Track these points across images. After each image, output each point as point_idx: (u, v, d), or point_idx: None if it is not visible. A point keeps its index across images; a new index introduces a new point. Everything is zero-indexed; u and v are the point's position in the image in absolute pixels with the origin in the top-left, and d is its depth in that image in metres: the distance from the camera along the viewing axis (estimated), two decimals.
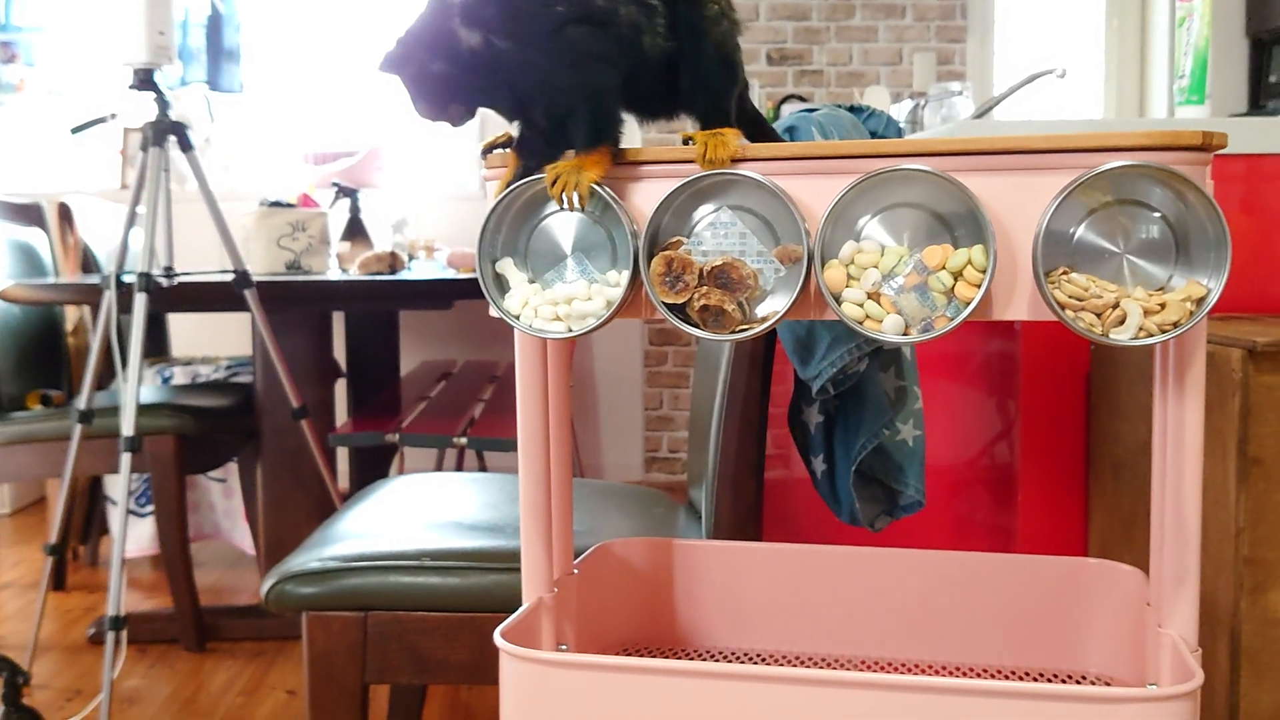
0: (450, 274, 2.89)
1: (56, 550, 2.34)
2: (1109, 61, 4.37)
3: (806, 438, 1.54)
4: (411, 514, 1.62)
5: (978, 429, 1.78)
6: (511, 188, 0.89)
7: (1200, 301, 0.79)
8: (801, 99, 4.07)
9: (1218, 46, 4.19)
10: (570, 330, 0.87)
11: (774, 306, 0.86)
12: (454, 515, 1.60)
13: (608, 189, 0.87)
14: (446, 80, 0.87)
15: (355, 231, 3.21)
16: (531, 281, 0.91)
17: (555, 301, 0.88)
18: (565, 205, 0.87)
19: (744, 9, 4.18)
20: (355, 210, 3.21)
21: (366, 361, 3.48)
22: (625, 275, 0.87)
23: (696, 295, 0.85)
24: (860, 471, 1.50)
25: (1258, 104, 4.28)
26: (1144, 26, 4.37)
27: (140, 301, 2.17)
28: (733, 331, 0.85)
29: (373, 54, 4.21)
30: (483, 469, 3.90)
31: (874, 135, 1.54)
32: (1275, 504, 1.23)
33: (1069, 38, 4.41)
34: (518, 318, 0.89)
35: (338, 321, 3.53)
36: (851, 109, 1.56)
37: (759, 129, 1.01)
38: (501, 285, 0.91)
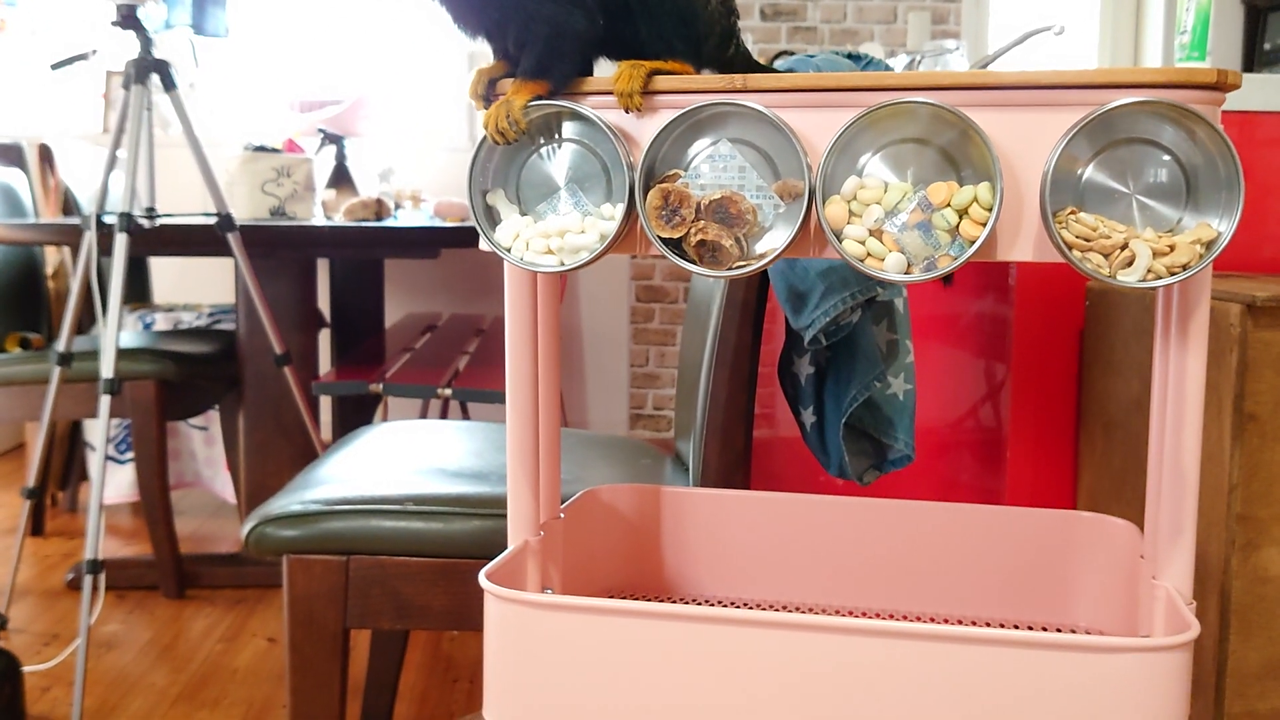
0: (437, 222, 2.86)
1: (34, 494, 2.31)
2: (1104, 19, 4.33)
3: (797, 389, 1.53)
4: (395, 459, 1.60)
5: (968, 386, 1.77)
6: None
7: (1210, 244, 0.77)
8: (794, 55, 4.02)
9: (1219, 6, 4.16)
10: (563, 264, 0.85)
11: (773, 243, 0.84)
12: (439, 462, 1.58)
13: (602, 118, 0.84)
14: None
15: (341, 179, 3.17)
16: (523, 214, 0.88)
17: (547, 234, 0.85)
18: (503, 139, 0.85)
19: None
20: (341, 158, 3.16)
21: (351, 311, 3.45)
22: (620, 209, 0.84)
23: (693, 230, 0.83)
24: (850, 425, 1.48)
25: (1251, 70, 4.25)
26: None
27: (121, 242, 2.13)
28: (730, 268, 0.83)
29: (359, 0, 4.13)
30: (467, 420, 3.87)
31: None
32: (1269, 460, 1.22)
33: (1064, 1, 4.37)
34: (509, 250, 0.86)
35: (322, 271, 3.49)
36: (850, 56, 1.53)
37: (754, 66, 0.98)
38: (492, 217, 0.88)
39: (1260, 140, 1.62)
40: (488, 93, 0.89)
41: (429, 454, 1.63)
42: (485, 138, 0.87)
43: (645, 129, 0.86)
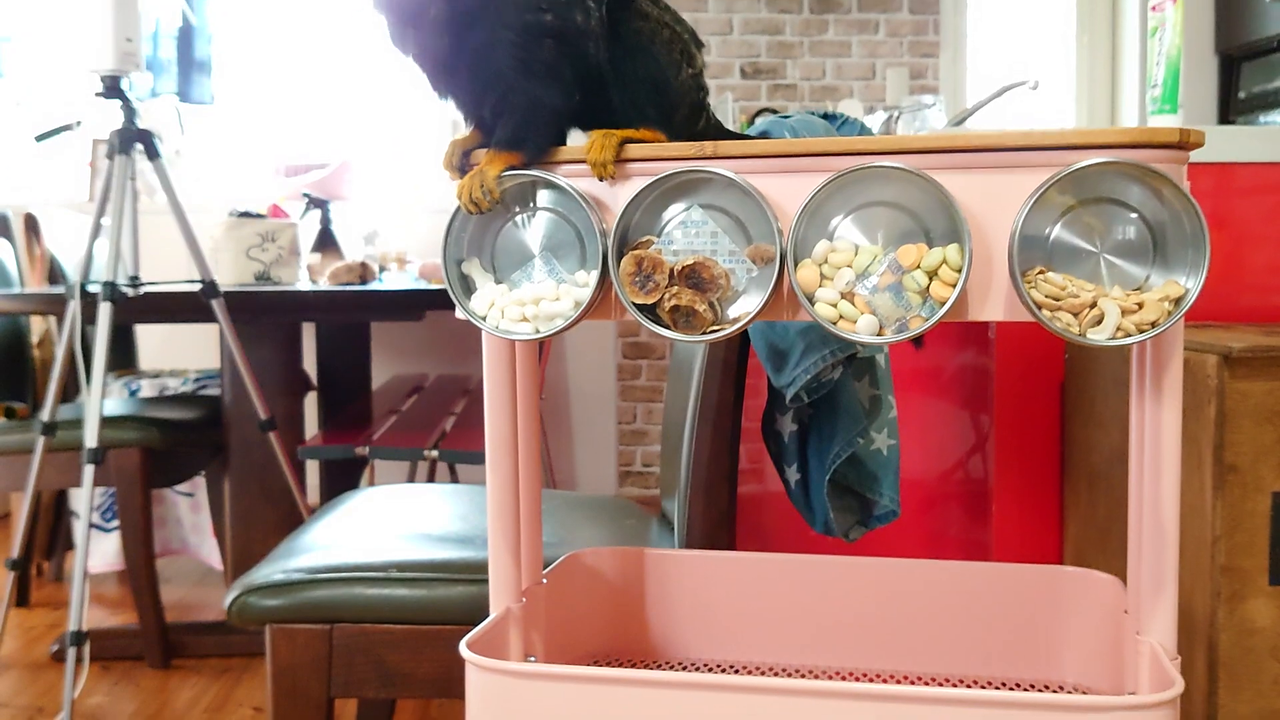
0: (422, 284, 2.87)
1: (19, 565, 2.29)
2: (1080, 74, 4.39)
3: (780, 447, 1.53)
4: (379, 525, 1.59)
5: (952, 439, 1.77)
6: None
7: (1178, 301, 0.78)
8: (775, 112, 4.06)
9: (1189, 59, 4.22)
10: (538, 331, 0.85)
11: (746, 307, 0.84)
12: (423, 526, 1.58)
13: (574, 186, 0.85)
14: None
15: (326, 243, 3.18)
16: (498, 282, 0.89)
17: (522, 302, 0.86)
18: (476, 208, 0.85)
19: (717, 24, 4.18)
20: (326, 221, 3.18)
21: (337, 374, 3.44)
22: (594, 275, 0.85)
23: (667, 295, 0.83)
24: (834, 481, 1.48)
25: (1227, 120, 4.30)
26: (1115, 39, 4.39)
27: (105, 311, 2.13)
28: (704, 332, 0.83)
29: (343, 67, 4.18)
30: (455, 481, 3.86)
31: None
32: (1251, 511, 1.22)
33: (1040, 51, 4.43)
34: (484, 319, 0.87)
35: (308, 334, 3.49)
36: (825, 116, 1.55)
37: (726, 137, 0.99)
38: (468, 286, 0.89)
39: (1235, 190, 1.64)
40: (462, 163, 0.90)
41: (413, 519, 1.62)
42: (459, 208, 0.88)
43: (618, 196, 0.87)
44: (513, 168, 0.86)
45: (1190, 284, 0.78)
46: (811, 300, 0.82)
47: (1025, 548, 1.61)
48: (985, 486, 1.65)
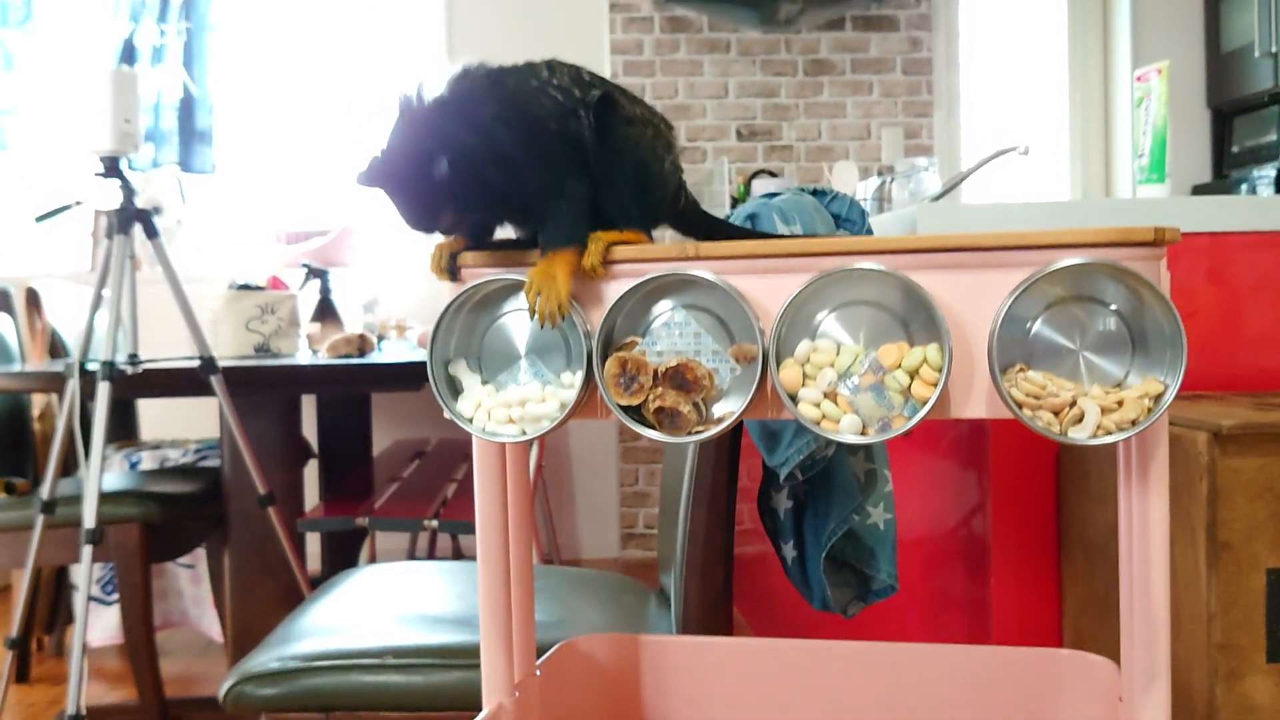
0: (420, 354, 2.88)
1: (18, 644, 2.28)
2: (1073, 136, 4.44)
3: (776, 524, 1.53)
4: (376, 606, 1.59)
5: (948, 511, 1.77)
6: (464, 289, 0.88)
7: (1158, 398, 0.78)
8: (771, 174, 4.10)
9: (1178, 118, 4.26)
10: (524, 433, 0.86)
11: (730, 406, 0.85)
12: (420, 607, 1.58)
13: None
14: (434, 190, 0.85)
15: (325, 312, 3.20)
16: (485, 383, 0.89)
17: (509, 404, 0.87)
18: (544, 323, 0.85)
19: (713, 87, 4.22)
20: (325, 291, 3.20)
21: (338, 441, 3.45)
22: (579, 376, 0.86)
23: (652, 396, 0.84)
24: (831, 557, 1.48)
25: (1221, 174, 4.34)
26: (1107, 101, 4.44)
27: (104, 390, 2.14)
28: (689, 433, 0.84)
29: (344, 135, 4.22)
30: (456, 550, 3.85)
31: (837, 218, 1.54)
32: (1246, 588, 1.22)
33: (1034, 110, 4.47)
34: (470, 421, 0.87)
35: (309, 401, 3.50)
36: (815, 192, 1.56)
37: (706, 224, 1.01)
38: (454, 387, 0.90)
39: (1226, 260, 1.65)
40: (450, 266, 0.91)
41: (411, 599, 1.62)
42: (447, 308, 0.89)
43: (603, 297, 0.88)
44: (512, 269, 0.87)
45: (1169, 381, 0.79)
46: (795, 400, 0.82)
47: (1025, 621, 1.61)
48: (983, 559, 1.65)
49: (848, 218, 1.55)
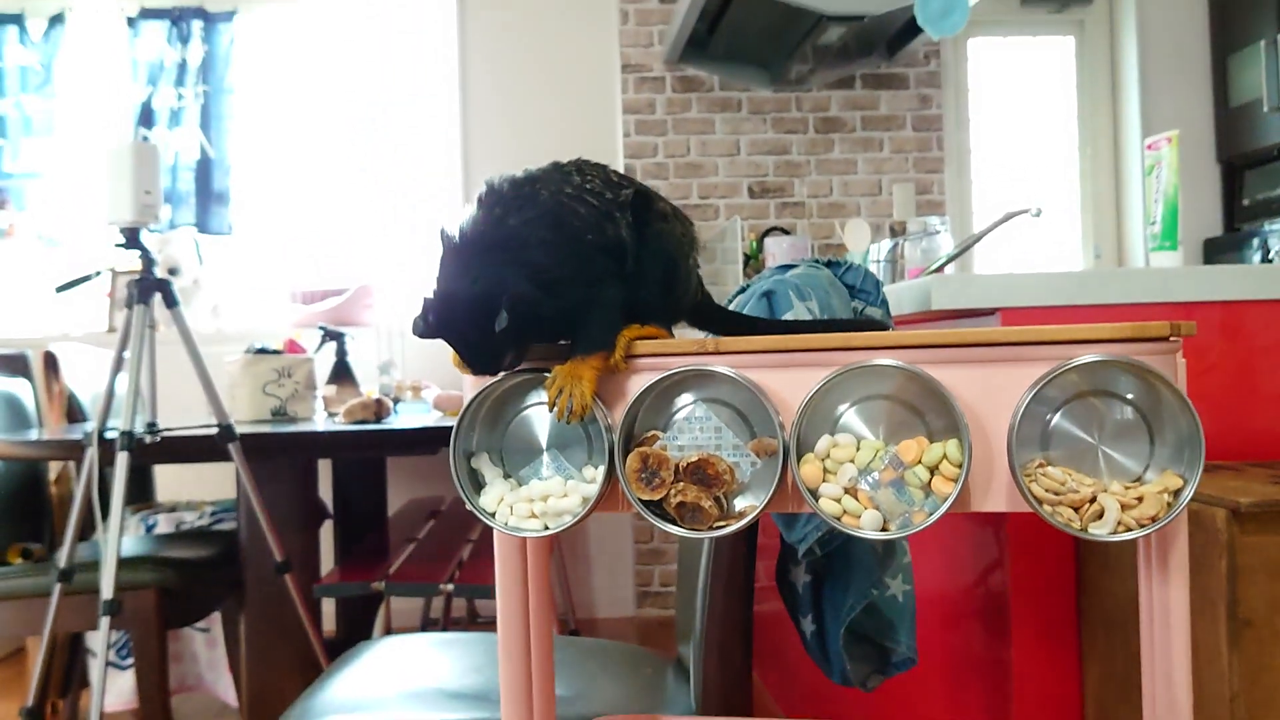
0: (435, 417, 2.89)
1: (34, 714, 2.28)
2: (1084, 193, 4.46)
3: (795, 598, 1.52)
4: (396, 681, 1.59)
5: (967, 581, 1.77)
6: (487, 385, 0.89)
7: (1178, 493, 0.79)
8: (784, 231, 4.12)
9: (1189, 173, 4.28)
10: (546, 528, 0.87)
11: (752, 501, 0.85)
12: (439, 681, 1.57)
13: None
14: (495, 337, 0.86)
15: (342, 375, 3.21)
16: (507, 476, 0.90)
17: (531, 499, 0.87)
18: (563, 417, 0.86)
19: (725, 145, 4.26)
20: (342, 354, 3.21)
21: (354, 502, 3.45)
22: (601, 471, 0.86)
23: (673, 491, 0.85)
24: (850, 629, 1.48)
25: (1232, 226, 4.35)
26: (1117, 155, 4.46)
27: (123, 460, 2.15)
28: (711, 528, 0.84)
29: (358, 192, 4.26)
30: (472, 611, 3.84)
31: (851, 289, 1.55)
32: (1268, 666, 1.21)
33: (1044, 165, 4.50)
34: (493, 515, 0.88)
35: (325, 462, 3.51)
36: (829, 263, 1.57)
37: (722, 317, 1.02)
38: (476, 481, 0.90)
39: (1244, 329, 1.66)
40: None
41: (430, 673, 1.62)
42: (471, 403, 0.90)
43: (624, 391, 0.89)
44: (516, 365, 0.88)
45: (1188, 475, 0.79)
46: (815, 495, 0.83)
47: (1045, 695, 1.60)
48: (1003, 631, 1.64)
49: (862, 288, 1.56)
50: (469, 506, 0.90)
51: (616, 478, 0.86)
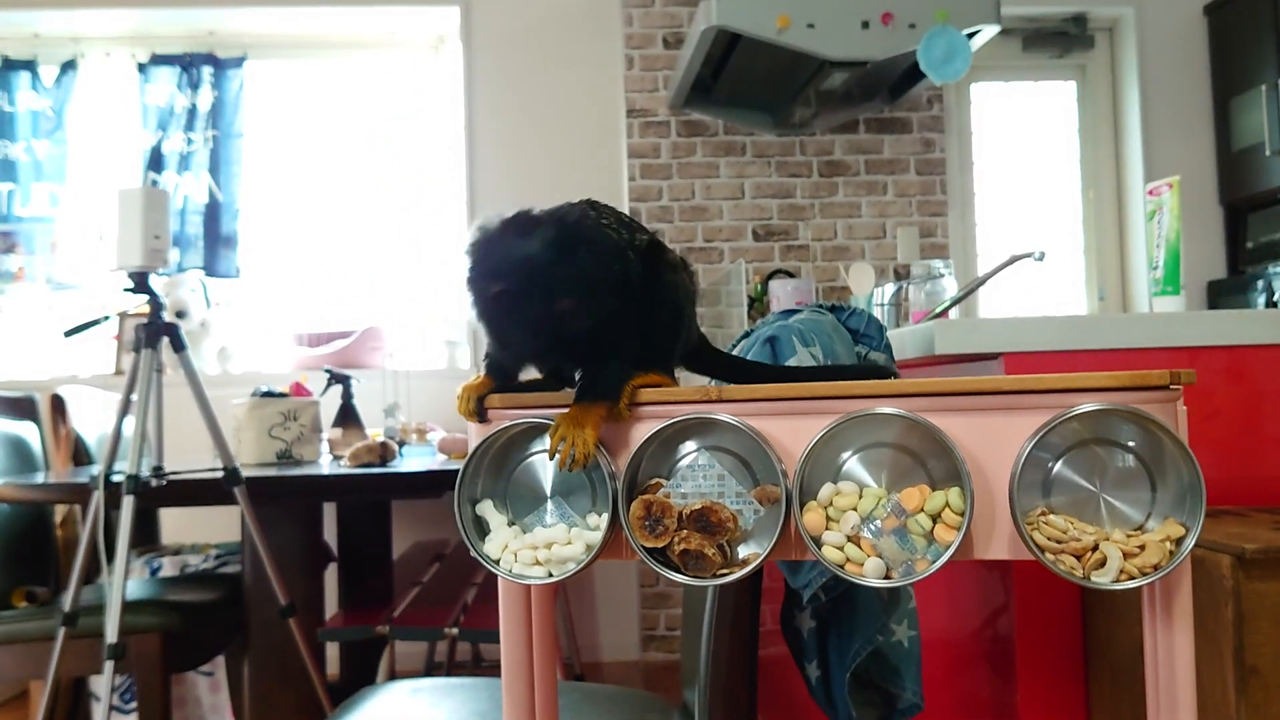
0: (440, 460, 2.89)
1: None
2: (1087, 236, 4.47)
3: (799, 643, 1.52)
4: None
5: (973, 625, 1.76)
6: (492, 432, 0.89)
7: (1180, 542, 0.79)
8: (789, 274, 4.13)
9: (1192, 217, 4.30)
10: (551, 575, 0.87)
11: (755, 548, 0.86)
12: None
13: None
14: (549, 323, 0.87)
15: (347, 417, 3.22)
16: (511, 523, 0.90)
17: (535, 546, 0.88)
18: (564, 466, 0.86)
19: (729, 188, 4.28)
20: (348, 397, 3.22)
21: (358, 546, 3.45)
22: (605, 518, 0.87)
23: (676, 539, 0.85)
24: (856, 675, 1.47)
25: (1237, 269, 4.36)
26: (1120, 195, 4.48)
27: (128, 504, 2.16)
28: (714, 575, 0.85)
29: (365, 236, 4.28)
30: (476, 655, 3.83)
31: (855, 334, 1.56)
32: (1276, 714, 1.20)
33: (1048, 208, 4.52)
34: (498, 562, 0.88)
35: (330, 505, 3.50)
36: (833, 308, 1.58)
37: (720, 362, 1.03)
38: (481, 527, 0.91)
39: (1248, 374, 1.66)
40: (478, 409, 0.92)
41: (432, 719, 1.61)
42: (476, 450, 0.90)
43: (628, 439, 0.89)
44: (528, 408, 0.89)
45: (1190, 523, 0.80)
46: (818, 543, 0.83)
47: None
48: (1008, 676, 1.63)
49: (865, 333, 1.57)
50: (474, 553, 0.90)
51: (620, 525, 0.87)
